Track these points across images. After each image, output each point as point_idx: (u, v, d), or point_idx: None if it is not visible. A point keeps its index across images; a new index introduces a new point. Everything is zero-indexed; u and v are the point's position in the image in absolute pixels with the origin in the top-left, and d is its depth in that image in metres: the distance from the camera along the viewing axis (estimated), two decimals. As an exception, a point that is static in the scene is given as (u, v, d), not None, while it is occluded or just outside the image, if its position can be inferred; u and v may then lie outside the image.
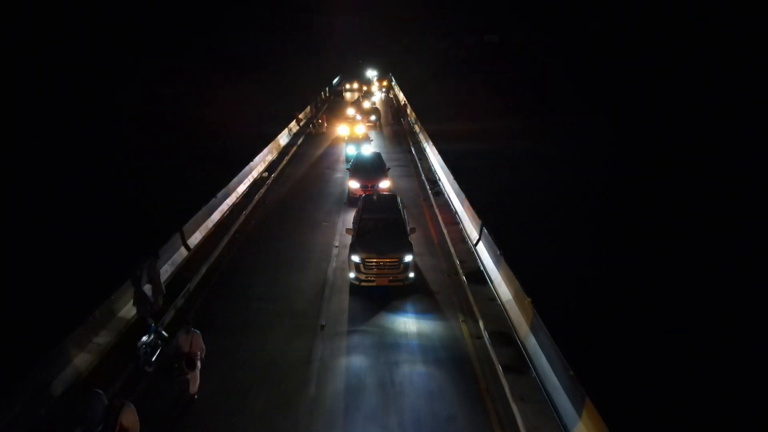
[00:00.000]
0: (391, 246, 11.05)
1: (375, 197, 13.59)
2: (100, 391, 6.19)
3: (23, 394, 6.86)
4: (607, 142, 25.34)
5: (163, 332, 9.17)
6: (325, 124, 32.11)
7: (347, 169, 18.74)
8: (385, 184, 17.10)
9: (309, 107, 36.66)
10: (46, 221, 15.02)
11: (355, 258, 10.91)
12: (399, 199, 13.50)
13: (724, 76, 42.57)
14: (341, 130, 28.06)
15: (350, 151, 21.75)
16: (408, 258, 10.85)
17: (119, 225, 14.22)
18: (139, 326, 9.21)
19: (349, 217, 14.37)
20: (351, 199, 16.84)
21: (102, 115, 33.62)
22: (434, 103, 38.31)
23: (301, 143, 28.22)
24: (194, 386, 7.68)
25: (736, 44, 52.45)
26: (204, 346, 7.68)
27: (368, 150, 20.99)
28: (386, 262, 10.82)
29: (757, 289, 10.69)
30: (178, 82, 47.77)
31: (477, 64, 69.57)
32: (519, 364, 8.44)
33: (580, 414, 6.70)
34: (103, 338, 8.85)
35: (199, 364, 7.59)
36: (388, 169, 18.25)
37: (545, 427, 7.05)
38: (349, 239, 12.19)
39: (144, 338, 8.57)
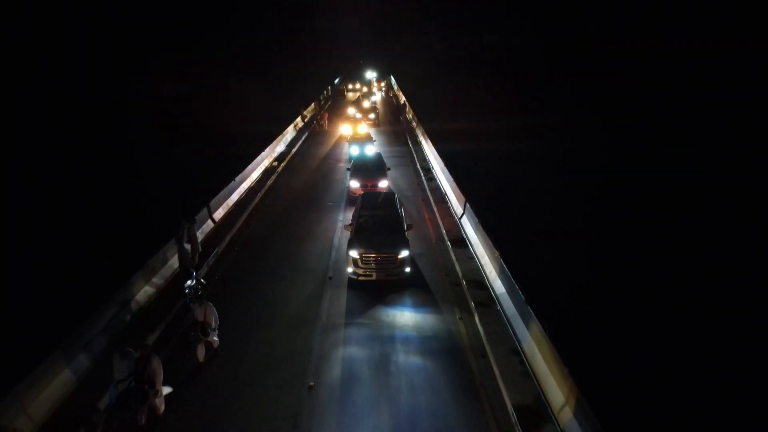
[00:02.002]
0: (388, 242, 11.37)
1: (373, 195, 13.94)
2: (130, 349, 7.43)
3: (113, 305, 9.31)
4: (602, 141, 25.98)
5: (202, 280, 11.39)
6: (327, 122, 33.95)
7: (347, 169, 19.11)
8: (384, 184, 17.26)
9: (313, 104, 38.87)
10: (103, 197, 17.27)
11: (353, 253, 11.22)
12: (397, 197, 13.96)
13: (723, 76, 43.07)
14: (344, 129, 29.54)
15: (353, 151, 21.71)
16: (404, 253, 11.18)
17: (161, 200, 16.47)
18: (182, 274, 11.37)
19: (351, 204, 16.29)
20: (351, 198, 17.19)
21: (123, 114, 35.84)
22: (433, 102, 40.34)
23: (306, 137, 30.40)
24: (209, 351, 8.80)
25: (736, 44, 52.62)
26: (217, 316, 8.74)
27: (371, 150, 21.53)
28: (383, 257, 11.11)
29: (754, 288, 10.97)
30: (185, 83, 49.99)
31: (476, 65, 71.45)
32: (488, 301, 10.64)
33: (529, 330, 8.86)
34: (157, 280, 11.10)
35: (211, 332, 8.60)
36: (389, 169, 18.68)
37: (503, 340, 9.23)
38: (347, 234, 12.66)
39: (188, 282, 10.77)
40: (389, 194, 14.17)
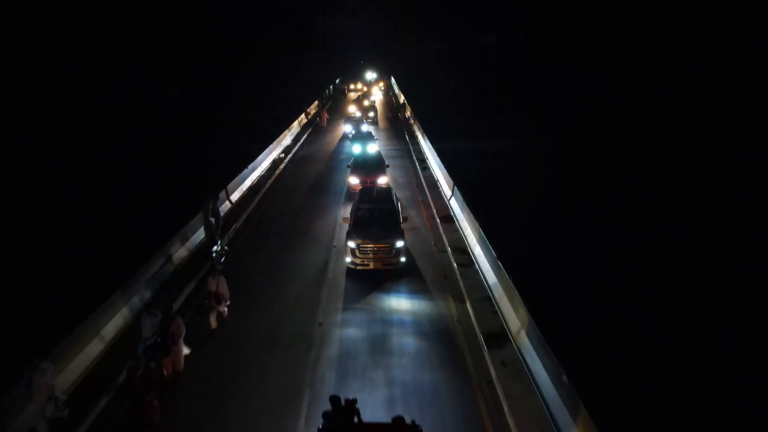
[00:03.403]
0: (385, 233, 11.89)
1: (371, 190, 14.47)
2: (157, 311, 8.31)
3: (161, 258, 11.32)
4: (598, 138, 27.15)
5: (225, 247, 13.37)
6: (325, 120, 35.82)
7: (348, 166, 19.73)
8: (383, 181, 17.64)
9: (316, 102, 40.90)
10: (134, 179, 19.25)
11: (351, 244, 11.75)
12: (393, 192, 14.64)
13: (723, 76, 43.82)
14: (346, 127, 30.63)
15: (356, 149, 21.79)
16: (399, 244, 11.76)
17: (187, 184, 18.42)
18: (209, 242, 13.32)
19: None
20: (351, 194, 17.60)
21: (147, 112, 37.91)
22: (431, 102, 42.25)
23: (310, 132, 32.41)
24: (221, 318, 9.94)
25: (736, 44, 52.73)
26: (228, 290, 9.82)
27: (373, 148, 21.94)
28: (380, 247, 11.67)
29: (750, 287, 11.26)
30: (189, 83, 52.03)
31: (475, 65, 73.33)
32: (468, 262, 12.62)
33: (499, 280, 10.81)
34: (191, 243, 13.16)
35: (223, 302, 9.73)
36: (387, 166, 19.29)
37: (478, 290, 11.20)
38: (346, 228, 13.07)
39: (214, 247, 12.75)
40: (386, 189, 14.79)
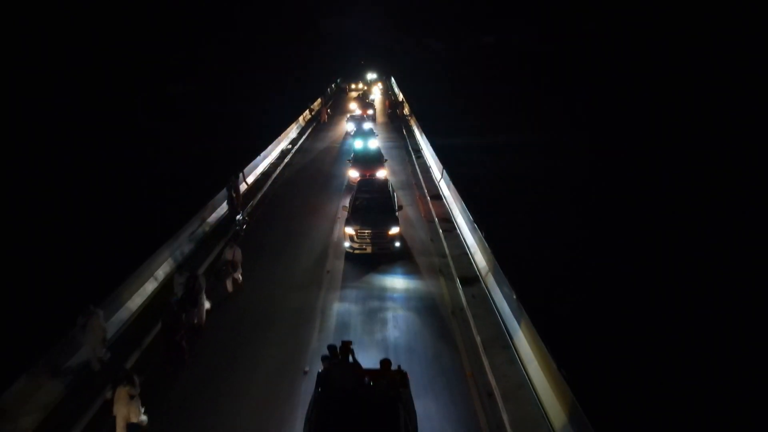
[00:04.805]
0: (380, 220, 12.71)
1: (369, 181, 15.53)
2: (185, 272, 9.81)
3: (197, 220, 13.65)
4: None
5: (246, 217, 15.74)
6: (326, 116, 38.07)
7: (348, 160, 20.64)
8: (381, 174, 18.51)
9: (319, 99, 43.27)
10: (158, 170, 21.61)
11: (349, 230, 12.53)
12: (390, 183, 15.61)
13: (722, 76, 45.06)
14: (348, 125, 32.25)
15: (357, 145, 22.68)
16: (394, 230, 12.54)
17: (209, 168, 20.75)
18: (231, 213, 15.68)
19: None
20: (351, 188, 18.01)
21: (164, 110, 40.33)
22: (429, 100, 44.53)
23: (314, 127, 34.80)
24: (236, 284, 11.26)
25: (735, 45, 53.46)
26: (242, 258, 11.18)
27: (374, 144, 23.06)
28: (376, 232, 12.46)
29: (747, 286, 11.50)
30: (193, 83, 54.23)
31: (474, 65, 75.49)
32: (451, 228, 14.99)
33: (481, 246, 13.09)
34: (213, 217, 15.53)
35: (238, 270, 11.19)
36: (386, 160, 20.38)
37: (458, 248, 13.57)
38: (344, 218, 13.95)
39: (237, 217, 15.14)
40: (383, 181, 15.87)
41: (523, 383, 8.12)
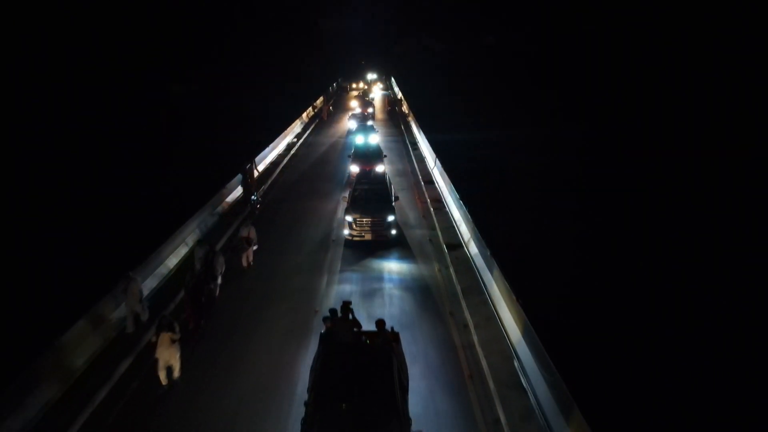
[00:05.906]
0: (377, 209, 13.44)
1: (367, 173, 16.34)
2: (206, 244, 11.06)
3: (209, 207, 15.51)
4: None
5: (260, 198, 17.75)
6: (327, 114, 40.01)
7: (348, 156, 21.52)
8: (380, 169, 19.12)
9: (321, 98, 45.31)
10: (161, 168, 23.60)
11: (348, 218, 13.30)
12: (387, 176, 16.54)
13: (722, 76, 45.87)
14: (350, 124, 33.76)
15: (358, 140, 23.16)
16: (390, 218, 13.28)
17: (225, 156, 22.67)
18: (246, 195, 17.67)
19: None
20: (351, 182, 18.15)
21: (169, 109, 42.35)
22: (427, 98, 46.45)
23: (316, 123, 36.83)
24: (250, 256, 12.43)
25: (735, 45, 54.25)
26: (256, 235, 12.37)
27: (375, 140, 23.76)
28: (373, 221, 13.19)
29: (745, 286, 11.77)
30: (195, 83, 56.04)
31: (474, 65, 77.26)
32: (441, 207, 16.97)
33: (465, 219, 15.05)
34: (231, 198, 17.53)
35: (254, 246, 12.32)
36: (385, 156, 21.20)
37: (446, 221, 15.56)
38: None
39: (252, 198, 17.15)
40: (381, 173, 16.85)
41: (491, 316, 10.11)
